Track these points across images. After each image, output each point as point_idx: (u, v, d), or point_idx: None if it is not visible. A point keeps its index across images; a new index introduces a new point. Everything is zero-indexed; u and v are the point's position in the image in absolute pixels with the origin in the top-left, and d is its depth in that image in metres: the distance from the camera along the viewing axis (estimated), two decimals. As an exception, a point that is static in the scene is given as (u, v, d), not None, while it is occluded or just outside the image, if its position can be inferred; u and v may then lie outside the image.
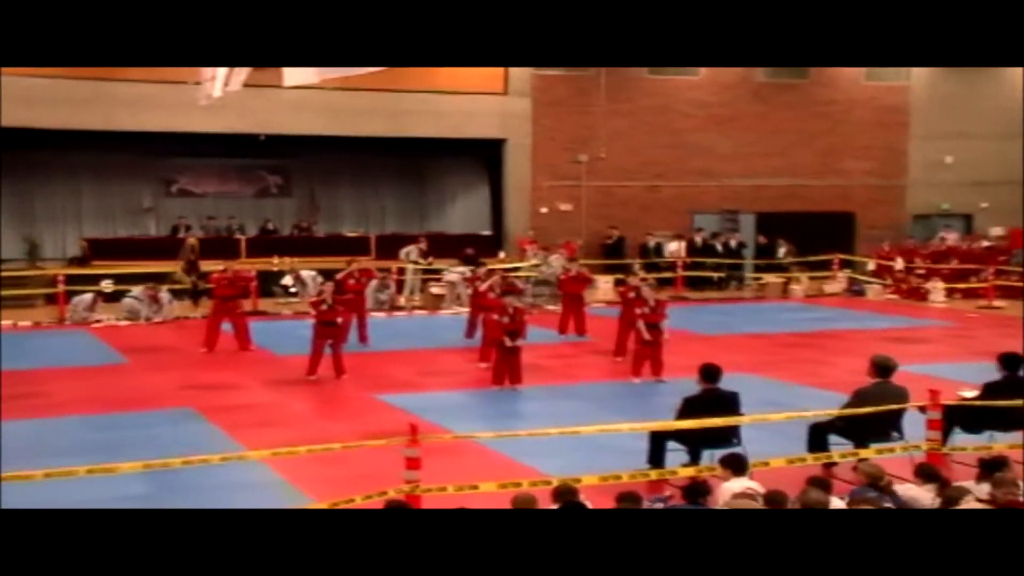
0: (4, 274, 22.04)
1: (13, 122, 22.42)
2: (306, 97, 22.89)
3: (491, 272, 17.12)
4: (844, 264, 26.82)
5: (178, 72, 20.72)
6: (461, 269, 21.91)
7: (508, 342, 13.64)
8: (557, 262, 22.53)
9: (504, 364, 13.74)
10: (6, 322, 19.38)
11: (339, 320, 14.68)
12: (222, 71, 14.43)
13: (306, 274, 22.07)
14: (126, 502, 7.90)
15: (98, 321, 19.66)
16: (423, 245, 23.80)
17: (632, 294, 15.29)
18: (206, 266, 21.37)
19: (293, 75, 11.81)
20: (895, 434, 9.48)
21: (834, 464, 9.24)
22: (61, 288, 20.57)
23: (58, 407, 12.60)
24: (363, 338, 17.21)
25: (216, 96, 14.92)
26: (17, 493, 7.22)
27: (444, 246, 24.79)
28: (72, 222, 25.86)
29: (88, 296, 20.08)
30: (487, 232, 27.04)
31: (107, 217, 26.18)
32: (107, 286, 20.46)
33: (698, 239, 26.82)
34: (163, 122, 23.45)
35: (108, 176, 26.07)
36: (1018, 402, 9.53)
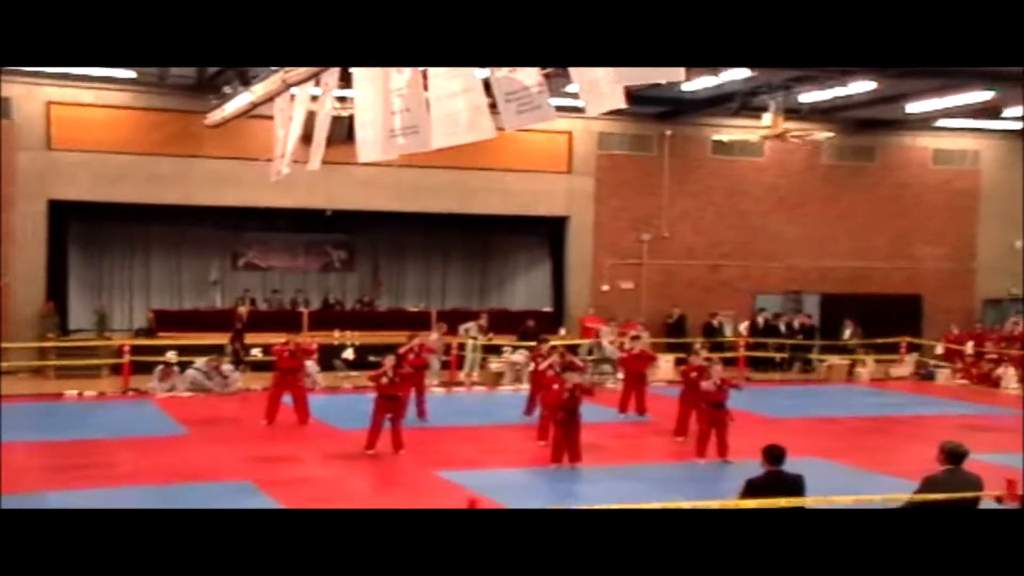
0: (73, 344, 22.50)
1: (99, 197, 23.20)
2: (375, 174, 23.29)
3: (553, 349, 17.02)
4: (912, 348, 26.28)
5: (252, 149, 21.43)
6: (524, 351, 21.76)
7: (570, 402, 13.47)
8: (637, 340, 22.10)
9: (564, 442, 13.57)
10: (71, 391, 19.69)
11: (399, 395, 14.67)
12: (290, 149, 14.74)
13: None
14: None
15: (170, 390, 19.87)
16: (483, 321, 23.83)
17: (694, 374, 15.11)
18: (269, 339, 21.59)
19: (366, 151, 12.00)
20: (969, 524, 9.12)
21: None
22: (126, 359, 20.86)
23: (119, 478, 12.69)
24: (421, 413, 17.16)
25: (284, 173, 15.20)
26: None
27: (505, 322, 24.80)
28: (141, 293, 26.38)
29: (160, 367, 20.32)
30: (548, 309, 27.01)
31: (175, 289, 26.67)
32: (171, 357, 20.70)
33: (760, 320, 26.51)
34: (237, 197, 23.97)
35: (179, 249, 26.66)
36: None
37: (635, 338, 20.37)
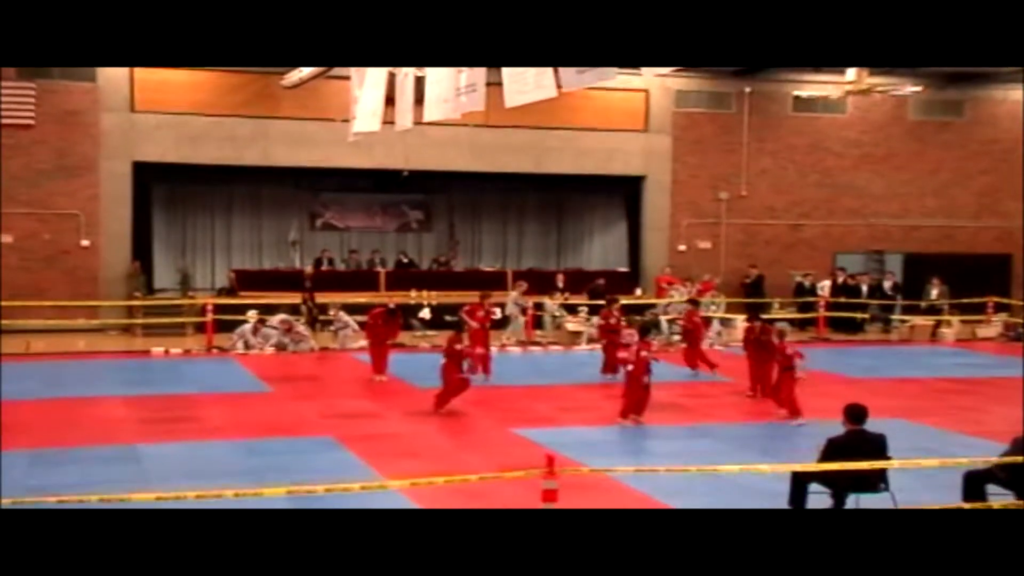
0: (158, 303, 23.05)
1: (181, 158, 23.70)
2: (452, 134, 23.39)
3: (621, 310, 17.06)
4: (1000, 308, 25.59)
5: (329, 110, 21.63)
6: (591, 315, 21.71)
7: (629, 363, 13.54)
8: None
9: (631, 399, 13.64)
10: (158, 349, 20.20)
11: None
12: (368, 109, 14.84)
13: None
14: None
15: (251, 348, 20.24)
16: (525, 287, 23.01)
17: (771, 338, 15.08)
18: (350, 298, 21.93)
19: (432, 110, 12.12)
20: (1060, 487, 8.90)
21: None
22: (210, 317, 21.30)
23: (208, 432, 13.01)
24: (485, 370, 16.86)
25: (365, 132, 15.35)
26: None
27: (581, 282, 24.74)
28: (222, 253, 26.88)
29: (248, 326, 20.70)
30: (624, 269, 26.89)
31: (255, 249, 27.12)
32: (252, 316, 21.07)
33: (841, 279, 26.02)
34: (315, 158, 24.26)
35: (259, 210, 27.06)
36: None
37: (694, 302, 20.46)
